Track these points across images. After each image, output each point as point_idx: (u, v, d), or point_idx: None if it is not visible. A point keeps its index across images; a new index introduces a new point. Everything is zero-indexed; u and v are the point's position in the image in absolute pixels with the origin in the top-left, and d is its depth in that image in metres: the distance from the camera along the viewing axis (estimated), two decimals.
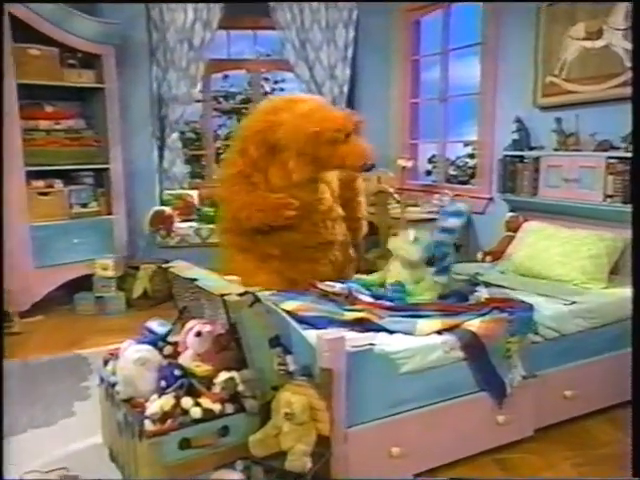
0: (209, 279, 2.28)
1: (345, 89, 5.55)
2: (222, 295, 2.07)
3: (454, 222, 2.91)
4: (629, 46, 3.26)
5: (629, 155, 3.08)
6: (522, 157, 3.81)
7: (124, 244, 4.79)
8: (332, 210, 3.16)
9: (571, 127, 3.58)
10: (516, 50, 4.10)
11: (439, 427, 2.29)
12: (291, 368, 2.08)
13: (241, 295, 2.04)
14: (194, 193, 5.36)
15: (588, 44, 3.53)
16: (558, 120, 3.61)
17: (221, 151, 8.25)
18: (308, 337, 2.13)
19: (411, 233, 2.83)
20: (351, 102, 5.61)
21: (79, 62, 4.40)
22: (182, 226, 4.92)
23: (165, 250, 4.68)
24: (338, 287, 2.83)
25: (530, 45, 3.92)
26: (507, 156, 3.92)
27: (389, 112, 5.61)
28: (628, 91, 3.14)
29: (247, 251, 3.11)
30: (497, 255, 3.64)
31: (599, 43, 3.45)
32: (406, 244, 2.82)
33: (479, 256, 3.74)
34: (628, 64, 3.28)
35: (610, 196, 3.22)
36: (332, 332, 2.12)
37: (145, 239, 4.88)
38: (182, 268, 2.50)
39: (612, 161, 3.20)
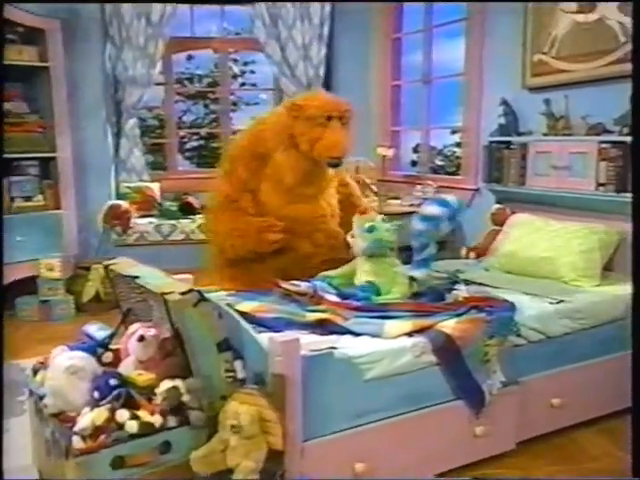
0: (153, 277, 2.24)
1: (321, 71, 5.53)
2: (163, 294, 2.02)
3: (436, 210, 2.86)
4: (624, 19, 3.25)
5: (623, 139, 3.07)
6: (509, 143, 3.81)
7: (74, 242, 4.72)
8: (334, 227, 3.17)
9: (561, 110, 3.57)
10: (503, 25, 4.09)
11: (409, 440, 2.26)
12: (240, 375, 2.04)
13: (184, 293, 2.00)
14: (155, 186, 5.32)
15: (580, 17, 3.51)
16: (547, 102, 3.61)
17: (186, 139, 8.26)
18: (261, 340, 2.09)
19: (368, 221, 2.79)
20: (327, 85, 5.58)
21: (20, 37, 4.31)
22: (141, 222, 4.89)
23: (122, 249, 4.61)
24: (303, 286, 2.82)
25: (518, 19, 3.91)
26: (493, 142, 3.91)
27: (368, 96, 5.59)
28: (622, 69, 3.14)
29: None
30: (482, 251, 3.64)
31: (592, 16, 3.44)
32: (356, 233, 2.79)
33: (463, 252, 3.74)
34: (622, 39, 3.27)
35: (603, 184, 3.20)
36: (286, 334, 2.10)
37: (99, 237, 4.81)
38: (124, 265, 2.45)
39: (605, 146, 3.19)
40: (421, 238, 2.85)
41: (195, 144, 8.83)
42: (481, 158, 4.10)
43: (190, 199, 5.27)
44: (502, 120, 3.88)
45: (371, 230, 2.76)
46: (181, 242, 4.84)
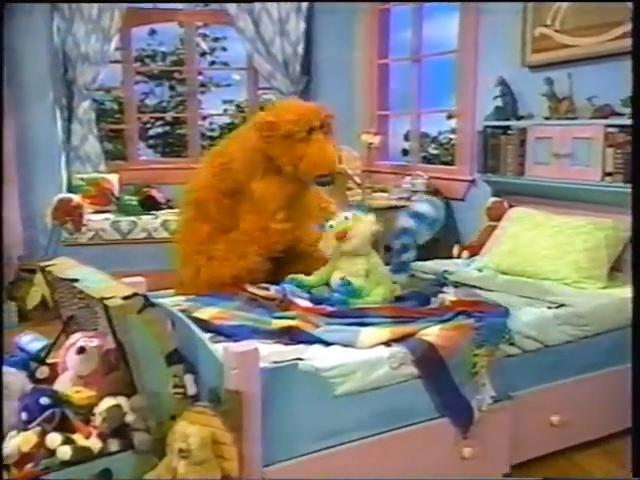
0: (94, 280, 2.20)
1: (299, 48, 5.54)
2: (102, 299, 1.98)
3: (428, 209, 2.88)
4: None
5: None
6: (506, 128, 3.81)
7: (17, 242, 4.68)
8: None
9: (565, 90, 3.56)
10: None
11: (387, 463, 2.23)
12: (190, 391, 2.01)
13: (127, 298, 1.97)
14: (113, 177, 5.30)
15: None
16: (549, 81, 3.60)
17: (148, 125, 8.22)
18: (216, 351, 2.07)
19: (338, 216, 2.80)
20: (307, 65, 5.57)
21: None
22: (96, 218, 4.86)
23: (74, 249, 4.56)
24: (272, 289, 2.83)
25: None
26: (488, 127, 3.91)
27: (352, 76, 5.60)
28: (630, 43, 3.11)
29: None
30: (476, 249, 3.65)
31: None
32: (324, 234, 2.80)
33: (455, 251, 3.76)
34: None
35: (610, 174, 3.20)
36: (244, 344, 2.07)
37: (47, 235, 4.76)
38: (62, 267, 2.42)
39: (612, 130, 3.18)
40: (404, 237, 2.84)
41: (159, 130, 8.79)
42: (476, 145, 4.10)
43: (153, 192, 5.24)
44: (499, 102, 3.88)
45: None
46: (142, 241, 4.81)
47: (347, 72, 5.54)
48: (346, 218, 2.78)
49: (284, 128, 2.80)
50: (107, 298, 1.97)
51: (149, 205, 5.11)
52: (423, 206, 2.92)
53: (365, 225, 2.77)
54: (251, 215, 2.94)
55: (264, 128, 2.82)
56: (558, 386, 2.61)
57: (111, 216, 4.91)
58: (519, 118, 3.83)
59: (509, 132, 3.78)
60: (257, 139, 2.85)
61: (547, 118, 3.61)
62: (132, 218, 4.86)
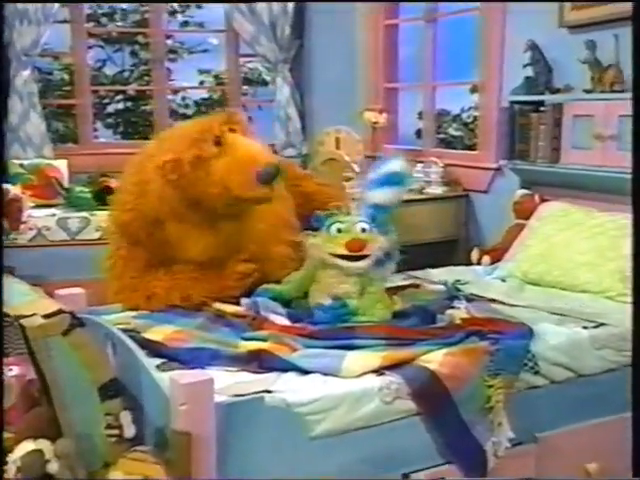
0: (12, 292, 2.20)
1: (289, 5, 5.53)
2: (17, 317, 1.99)
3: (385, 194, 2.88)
4: None
5: None
6: (538, 104, 3.78)
7: None
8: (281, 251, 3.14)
9: (610, 56, 3.51)
10: None
11: None
12: (128, 432, 2.01)
13: (49, 316, 1.99)
14: (61, 164, 5.30)
15: None
16: (591, 45, 3.55)
17: (106, 100, 8.22)
18: (162, 381, 2.06)
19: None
20: (298, 26, 5.56)
21: None
22: (38, 214, 4.84)
23: (10, 252, 4.52)
24: (243, 303, 2.88)
25: None
26: (516, 103, 3.88)
27: (353, 40, 5.56)
28: None
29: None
30: (499, 254, 3.64)
31: None
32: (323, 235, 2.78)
33: (473, 255, 3.74)
34: None
35: None
36: (196, 373, 2.05)
37: None
38: None
39: None
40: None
41: (119, 106, 8.79)
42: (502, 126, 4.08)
43: (111, 183, 5.19)
44: (529, 71, 3.84)
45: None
46: (96, 242, 4.74)
47: (347, 35, 5.49)
48: (363, 230, 2.76)
49: (188, 156, 2.71)
50: (25, 316, 1.98)
51: (105, 198, 5.04)
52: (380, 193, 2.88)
53: (379, 244, 2.76)
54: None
55: (168, 171, 2.72)
56: (595, 426, 2.58)
57: (58, 211, 4.90)
58: (554, 91, 3.79)
59: (541, 109, 3.74)
60: (162, 187, 2.78)
61: (588, 91, 3.58)
62: (84, 214, 4.84)
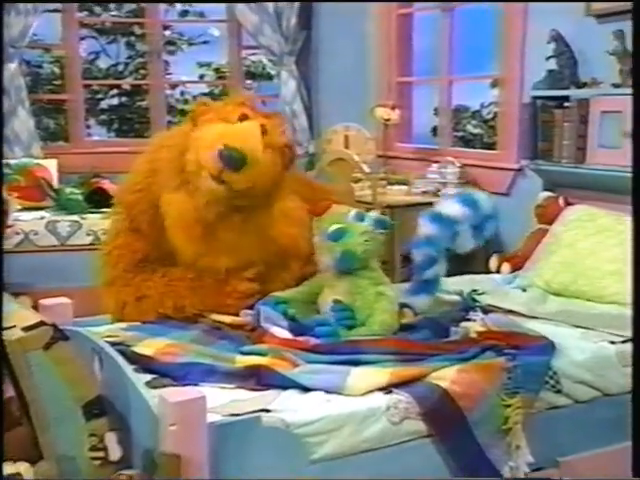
0: None
1: None
2: None
3: (456, 210, 2.90)
4: None
5: None
6: (563, 99, 3.77)
7: None
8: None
9: None
10: None
11: None
12: (113, 455, 2.01)
13: (30, 328, 1.99)
14: (50, 164, 5.30)
15: None
16: (620, 35, 3.53)
17: (100, 95, 8.23)
18: (152, 400, 2.05)
19: (334, 221, 2.80)
20: (305, 16, 5.56)
21: None
22: (26, 217, 4.84)
23: None
24: (242, 313, 2.88)
25: None
26: (538, 98, 3.87)
27: (365, 31, 5.57)
28: None
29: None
30: (520, 262, 3.62)
31: None
32: (318, 242, 2.82)
33: (492, 263, 3.74)
34: None
35: None
36: (187, 390, 2.04)
37: None
38: None
39: None
40: (427, 248, 2.86)
41: (113, 102, 8.82)
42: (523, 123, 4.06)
43: (104, 184, 5.20)
44: (553, 64, 3.83)
45: (338, 236, 2.76)
46: (87, 248, 4.75)
47: (358, 25, 5.50)
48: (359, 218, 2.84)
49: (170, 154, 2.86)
50: (3, 329, 1.98)
51: (98, 200, 5.06)
52: (449, 206, 2.92)
53: (368, 236, 2.79)
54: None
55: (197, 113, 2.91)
56: (622, 450, 2.49)
57: (47, 214, 4.90)
58: (579, 85, 3.77)
59: (566, 104, 3.73)
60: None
61: (617, 85, 3.56)
62: (75, 217, 4.83)
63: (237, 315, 2.88)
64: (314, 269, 2.99)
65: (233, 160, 2.70)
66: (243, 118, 2.87)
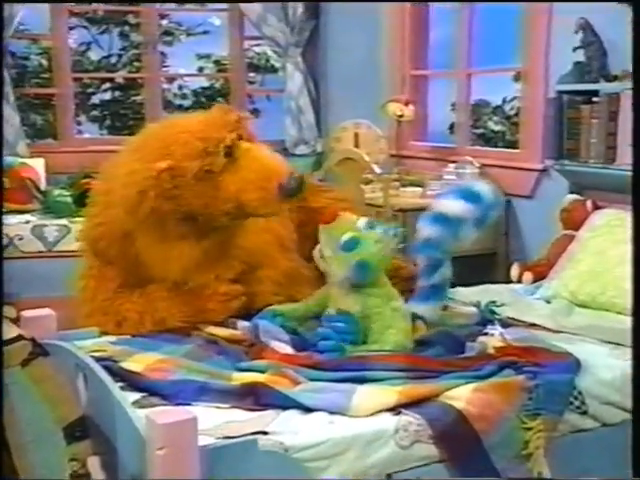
0: None
1: None
2: None
3: (458, 207, 2.90)
4: None
5: None
6: (591, 94, 3.77)
7: None
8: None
9: None
10: None
11: None
12: None
13: (7, 344, 2.01)
14: (37, 163, 5.34)
15: None
16: None
17: (91, 90, 8.25)
18: (139, 421, 2.04)
19: (345, 229, 2.78)
20: (313, 4, 5.57)
21: None
22: (10, 221, 4.85)
23: None
24: (240, 326, 2.88)
25: None
26: (564, 92, 3.87)
27: (377, 20, 5.59)
28: None
29: None
30: (544, 270, 3.61)
31: None
32: (328, 253, 2.80)
33: (514, 272, 3.73)
34: None
35: None
36: (178, 410, 2.04)
37: None
38: None
39: None
40: (431, 251, 2.86)
41: (106, 97, 8.86)
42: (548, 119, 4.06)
43: (95, 184, 5.21)
44: (580, 56, 3.83)
45: (352, 246, 2.74)
46: (77, 254, 4.74)
47: (369, 15, 5.52)
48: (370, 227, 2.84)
49: (193, 167, 2.74)
50: None
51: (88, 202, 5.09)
52: (451, 204, 2.92)
53: (383, 245, 2.79)
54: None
55: (164, 181, 2.71)
56: None
57: (33, 218, 4.94)
58: (609, 79, 3.77)
59: (594, 99, 3.75)
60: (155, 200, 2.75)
61: None
62: (63, 221, 4.87)
63: (226, 322, 2.90)
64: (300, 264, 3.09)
65: (296, 189, 2.83)
66: (228, 152, 2.82)
